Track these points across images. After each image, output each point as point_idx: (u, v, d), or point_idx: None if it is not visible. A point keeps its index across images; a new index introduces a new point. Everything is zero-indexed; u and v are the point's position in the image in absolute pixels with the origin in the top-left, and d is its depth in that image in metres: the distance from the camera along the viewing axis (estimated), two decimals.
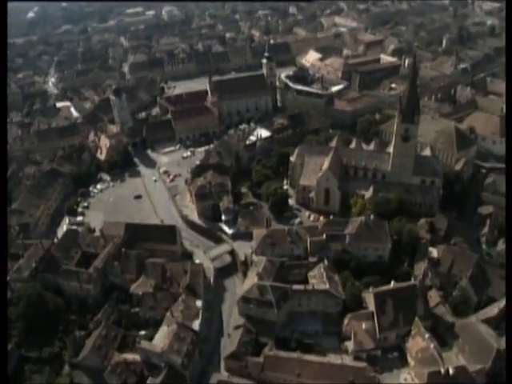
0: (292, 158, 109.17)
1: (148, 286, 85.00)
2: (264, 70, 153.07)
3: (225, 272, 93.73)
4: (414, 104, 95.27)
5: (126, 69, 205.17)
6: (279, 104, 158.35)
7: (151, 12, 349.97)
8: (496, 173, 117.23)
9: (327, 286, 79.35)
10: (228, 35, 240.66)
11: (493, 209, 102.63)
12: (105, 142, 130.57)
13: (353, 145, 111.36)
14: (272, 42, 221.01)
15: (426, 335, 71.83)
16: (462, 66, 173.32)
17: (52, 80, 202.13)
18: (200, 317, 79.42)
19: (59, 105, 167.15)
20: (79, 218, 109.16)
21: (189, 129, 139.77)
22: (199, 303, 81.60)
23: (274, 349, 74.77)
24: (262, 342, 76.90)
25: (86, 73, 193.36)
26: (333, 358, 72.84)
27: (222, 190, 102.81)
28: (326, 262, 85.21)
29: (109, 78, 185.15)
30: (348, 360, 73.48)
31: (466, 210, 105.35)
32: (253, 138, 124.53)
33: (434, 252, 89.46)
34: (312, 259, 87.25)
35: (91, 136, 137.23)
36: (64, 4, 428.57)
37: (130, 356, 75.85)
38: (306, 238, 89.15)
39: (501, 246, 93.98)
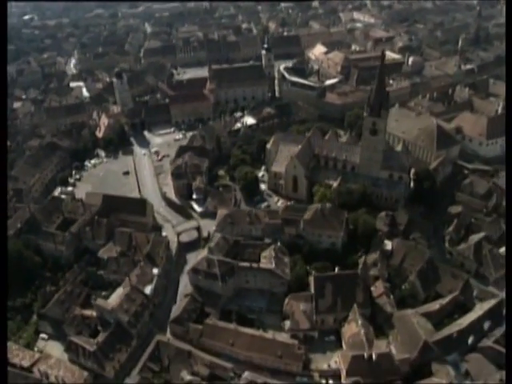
0: (268, 146, 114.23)
1: (114, 251, 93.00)
2: (263, 61, 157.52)
3: (190, 246, 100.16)
4: (381, 99, 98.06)
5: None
6: (277, 94, 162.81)
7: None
8: (477, 174, 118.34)
9: (273, 265, 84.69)
10: (244, 26, 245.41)
11: (462, 209, 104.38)
12: (104, 121, 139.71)
13: (328, 136, 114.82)
14: (285, 34, 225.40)
15: (359, 321, 75.41)
16: (468, 66, 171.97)
17: (73, 61, 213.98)
18: (154, 283, 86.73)
19: (73, 85, 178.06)
20: (69, 188, 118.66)
21: (184, 113, 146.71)
22: (155, 271, 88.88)
23: (215, 319, 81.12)
24: (207, 311, 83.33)
25: (102, 56, 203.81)
26: (267, 334, 77.96)
27: (197, 170, 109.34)
28: (278, 244, 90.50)
29: (123, 62, 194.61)
30: (285, 337, 78.68)
31: (437, 208, 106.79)
32: (239, 125, 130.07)
33: (389, 245, 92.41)
34: (267, 241, 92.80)
35: (94, 115, 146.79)
36: None
37: (88, 312, 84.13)
38: (265, 221, 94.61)
39: (463, 245, 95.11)
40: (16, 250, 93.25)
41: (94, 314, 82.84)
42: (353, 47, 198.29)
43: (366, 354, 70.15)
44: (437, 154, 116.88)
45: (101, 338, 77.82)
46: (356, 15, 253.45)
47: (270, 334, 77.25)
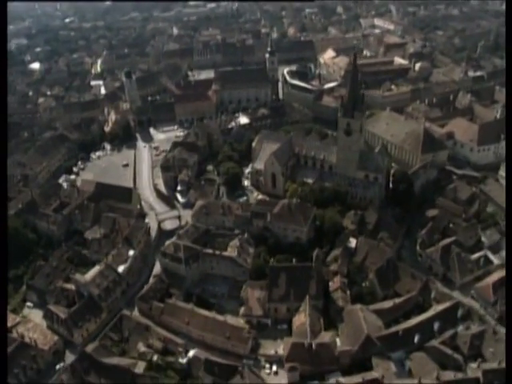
0: (253, 144, 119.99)
1: (98, 233, 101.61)
2: (267, 64, 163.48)
3: (171, 234, 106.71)
4: (355, 100, 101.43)
5: None
6: (281, 97, 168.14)
7: (212, 5, 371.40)
8: (464, 180, 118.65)
9: (235, 254, 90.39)
10: (263, 30, 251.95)
11: (438, 213, 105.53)
12: (112, 117, 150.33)
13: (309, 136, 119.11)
14: (302, 39, 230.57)
15: (307, 312, 79.11)
16: (478, 73, 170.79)
17: (99, 61, 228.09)
18: (128, 263, 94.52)
19: (93, 83, 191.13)
20: (72, 177, 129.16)
21: (188, 112, 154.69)
22: (131, 253, 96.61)
23: (177, 299, 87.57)
24: (171, 292, 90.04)
25: (124, 57, 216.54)
26: (219, 316, 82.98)
27: (183, 164, 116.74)
28: (245, 235, 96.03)
29: (142, 63, 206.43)
30: (238, 321, 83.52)
31: (414, 211, 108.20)
32: (233, 124, 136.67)
33: (353, 243, 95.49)
34: (237, 231, 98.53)
35: (106, 111, 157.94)
36: None
37: (68, 285, 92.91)
38: (236, 213, 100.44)
39: (432, 248, 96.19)
40: (15, 227, 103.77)
41: (73, 287, 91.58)
42: (365, 52, 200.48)
43: (306, 343, 73.77)
44: (422, 157, 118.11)
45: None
46: (377, 21, 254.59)
47: (222, 317, 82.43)
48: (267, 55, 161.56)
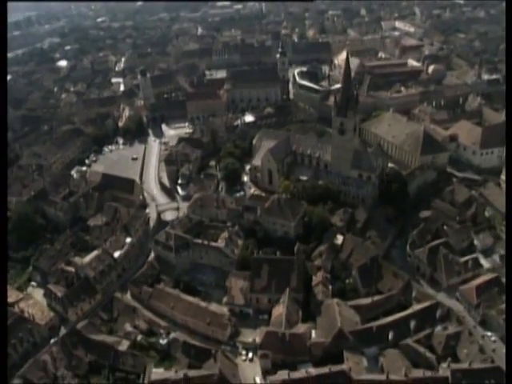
0: (254, 141, 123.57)
1: (100, 221, 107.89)
2: (278, 64, 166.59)
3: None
4: (347, 99, 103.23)
5: None
6: (292, 96, 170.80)
7: (238, 6, 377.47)
8: (463, 183, 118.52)
9: (222, 245, 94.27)
10: (284, 32, 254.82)
11: (431, 214, 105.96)
12: (126, 113, 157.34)
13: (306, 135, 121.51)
14: (320, 40, 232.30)
15: (285, 303, 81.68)
16: (494, 76, 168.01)
17: (123, 60, 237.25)
18: (124, 250, 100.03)
19: (114, 80, 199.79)
20: (84, 168, 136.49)
21: (199, 110, 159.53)
22: (128, 240, 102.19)
23: (166, 285, 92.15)
24: (162, 278, 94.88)
25: (145, 56, 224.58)
26: (202, 302, 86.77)
27: (186, 159, 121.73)
28: (236, 227, 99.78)
29: (161, 62, 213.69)
30: (220, 309, 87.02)
31: (408, 212, 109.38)
32: (239, 122, 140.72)
33: (340, 239, 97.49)
34: (229, 224, 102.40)
35: (121, 107, 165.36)
36: None
37: (69, 268, 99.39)
38: (229, 206, 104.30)
39: (420, 250, 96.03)
40: (26, 212, 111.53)
41: (73, 269, 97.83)
42: (380, 54, 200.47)
43: (280, 332, 76.50)
44: (421, 159, 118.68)
45: None
46: (398, 24, 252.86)
47: (204, 303, 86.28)
48: (278, 56, 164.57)
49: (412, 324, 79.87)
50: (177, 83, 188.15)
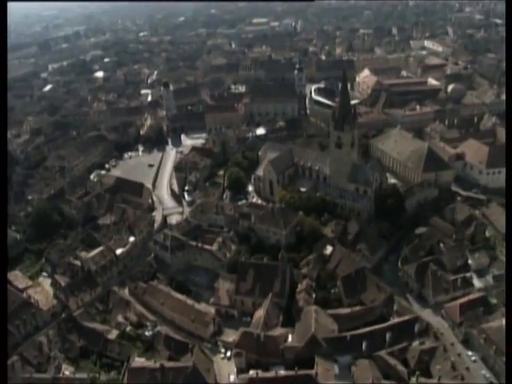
0: (260, 153, 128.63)
1: (108, 220, 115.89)
2: (295, 80, 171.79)
3: None
4: (344, 114, 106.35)
5: None
6: (308, 111, 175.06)
7: (274, 23, 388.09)
8: (467, 202, 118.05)
9: (215, 248, 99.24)
10: (312, 49, 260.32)
11: (426, 231, 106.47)
12: (147, 122, 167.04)
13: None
14: (345, 58, 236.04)
15: (266, 306, 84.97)
16: None
17: (155, 73, 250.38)
18: (126, 248, 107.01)
19: (143, 92, 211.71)
20: (103, 172, 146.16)
21: (217, 122, 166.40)
22: (132, 239, 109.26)
23: (160, 283, 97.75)
24: (158, 276, 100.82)
25: (175, 69, 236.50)
26: (189, 300, 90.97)
27: (194, 167, 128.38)
28: (231, 233, 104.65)
29: (189, 75, 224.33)
30: (207, 308, 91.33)
31: (406, 227, 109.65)
32: (250, 134, 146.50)
33: (330, 250, 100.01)
34: (225, 229, 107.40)
35: (145, 116, 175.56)
36: (213, 10, 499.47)
37: (75, 261, 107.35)
38: (227, 213, 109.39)
39: (410, 266, 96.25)
40: (44, 209, 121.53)
41: (79, 263, 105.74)
42: (403, 73, 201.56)
43: (255, 333, 79.69)
44: (423, 176, 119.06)
45: None
46: (427, 43, 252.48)
47: (191, 301, 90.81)
48: (295, 72, 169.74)
49: (388, 336, 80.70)
50: (200, 96, 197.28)
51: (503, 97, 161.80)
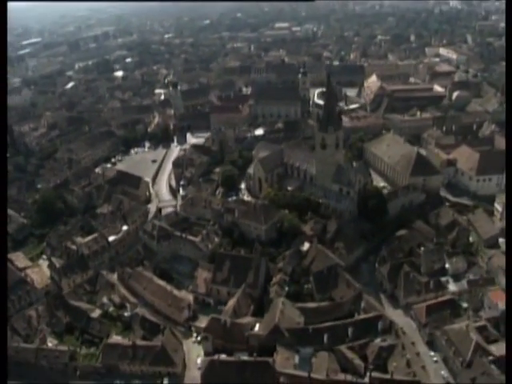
0: (253, 152, 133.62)
1: (106, 210, 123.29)
2: (299, 84, 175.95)
3: None
4: (328, 116, 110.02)
5: None
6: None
7: (296, 28, 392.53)
8: (454, 209, 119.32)
9: (198, 239, 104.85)
10: (326, 54, 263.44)
11: (406, 233, 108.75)
12: (155, 120, 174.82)
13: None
14: (358, 63, 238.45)
15: (237, 296, 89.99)
16: None
17: (172, 73, 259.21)
18: (119, 236, 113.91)
19: (157, 91, 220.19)
20: (109, 165, 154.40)
21: (221, 122, 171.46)
22: (125, 228, 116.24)
23: (146, 270, 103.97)
24: (144, 263, 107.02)
25: (190, 70, 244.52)
26: (168, 286, 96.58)
27: (190, 163, 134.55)
28: (216, 226, 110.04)
29: (203, 77, 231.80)
30: (184, 295, 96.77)
31: (389, 229, 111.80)
32: (249, 134, 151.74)
33: (307, 247, 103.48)
34: (211, 223, 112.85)
35: (154, 115, 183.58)
36: (239, 14, 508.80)
37: (72, 246, 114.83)
38: (214, 207, 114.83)
39: (385, 267, 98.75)
40: (49, 197, 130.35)
41: (75, 247, 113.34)
42: (411, 79, 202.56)
43: (222, 320, 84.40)
44: (410, 180, 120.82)
45: None
46: (442, 51, 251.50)
47: (169, 287, 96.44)
48: (299, 76, 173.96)
49: (350, 331, 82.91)
50: (208, 97, 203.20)
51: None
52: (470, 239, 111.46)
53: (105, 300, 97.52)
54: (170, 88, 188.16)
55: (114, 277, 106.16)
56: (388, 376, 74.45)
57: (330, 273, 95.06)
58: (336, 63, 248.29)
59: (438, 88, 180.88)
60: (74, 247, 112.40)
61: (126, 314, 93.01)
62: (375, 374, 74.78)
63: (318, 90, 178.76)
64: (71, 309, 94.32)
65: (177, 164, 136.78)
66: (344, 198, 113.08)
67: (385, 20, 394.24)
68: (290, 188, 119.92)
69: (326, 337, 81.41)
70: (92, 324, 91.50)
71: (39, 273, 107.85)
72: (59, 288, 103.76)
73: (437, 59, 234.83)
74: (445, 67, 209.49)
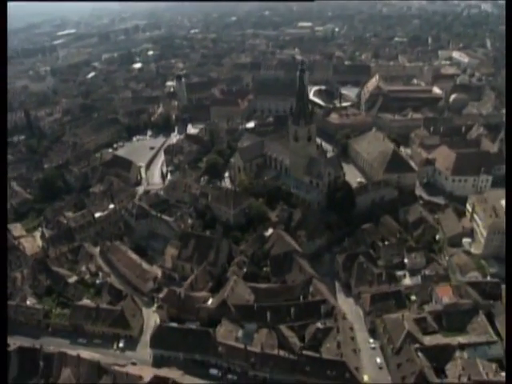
0: (239, 143, 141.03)
1: (98, 189, 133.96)
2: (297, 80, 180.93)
3: None
4: (301, 110, 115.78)
5: None
6: None
7: (319, 28, 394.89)
8: (426, 207, 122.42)
9: (171, 219, 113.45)
10: (338, 54, 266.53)
11: (369, 227, 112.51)
12: (159, 110, 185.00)
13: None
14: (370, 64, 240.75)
15: (196, 272, 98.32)
16: None
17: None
18: (105, 213, 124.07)
19: (168, 83, 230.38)
20: (110, 150, 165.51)
21: (220, 114, 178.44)
22: (111, 206, 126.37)
23: (123, 244, 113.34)
24: (124, 239, 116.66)
25: (203, 65, 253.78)
26: (139, 259, 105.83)
27: (180, 150, 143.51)
28: (191, 209, 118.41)
29: (214, 71, 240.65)
30: (156, 270, 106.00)
31: (355, 222, 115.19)
32: (240, 127, 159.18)
33: (270, 232, 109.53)
34: (188, 205, 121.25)
35: (159, 105, 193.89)
36: (267, 12, 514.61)
37: (63, 220, 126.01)
38: (191, 191, 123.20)
39: (340, 257, 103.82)
40: (51, 176, 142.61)
41: (65, 221, 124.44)
42: (414, 81, 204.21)
43: (177, 291, 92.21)
44: (384, 176, 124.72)
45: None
46: (454, 54, 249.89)
47: (139, 261, 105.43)
48: (298, 73, 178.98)
49: (292, 312, 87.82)
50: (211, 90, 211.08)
51: (500, 109, 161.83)
52: (437, 237, 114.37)
53: (83, 268, 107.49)
54: (174, 81, 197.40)
55: (96, 249, 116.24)
56: (317, 355, 79.30)
57: (286, 258, 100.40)
58: (347, 63, 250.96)
59: (436, 90, 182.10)
60: (64, 221, 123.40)
61: (97, 282, 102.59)
62: (306, 352, 79.80)
63: (315, 88, 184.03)
64: (52, 274, 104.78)
65: (168, 151, 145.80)
66: (313, 189, 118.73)
67: (410, 22, 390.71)
68: (266, 178, 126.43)
69: (269, 315, 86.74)
70: (68, 288, 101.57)
71: (32, 242, 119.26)
72: (47, 256, 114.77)
73: (447, 62, 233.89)
74: (450, 70, 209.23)
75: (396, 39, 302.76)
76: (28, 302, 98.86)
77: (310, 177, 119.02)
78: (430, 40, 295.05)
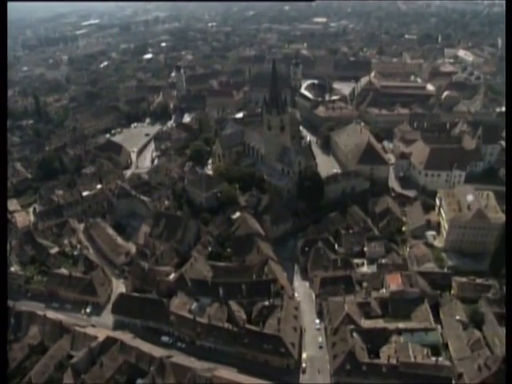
0: (223, 132, 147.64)
1: (89, 171, 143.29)
2: (291, 74, 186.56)
3: None
4: (273, 100, 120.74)
5: None
6: None
7: (333, 24, 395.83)
8: (397, 199, 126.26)
9: (148, 200, 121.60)
10: (343, 49, 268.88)
11: (337, 215, 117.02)
12: (158, 99, 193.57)
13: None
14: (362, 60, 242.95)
15: (161, 249, 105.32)
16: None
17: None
18: (92, 192, 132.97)
19: (173, 74, 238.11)
20: (107, 136, 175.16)
21: (215, 105, 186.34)
22: (99, 186, 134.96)
23: (105, 222, 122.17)
24: (106, 216, 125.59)
25: (209, 57, 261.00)
26: (116, 237, 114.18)
27: (167, 137, 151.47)
28: (169, 191, 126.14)
29: (217, 64, 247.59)
30: (131, 246, 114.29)
31: (323, 210, 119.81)
32: (230, 117, 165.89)
33: (237, 215, 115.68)
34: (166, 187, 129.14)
35: (159, 94, 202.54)
36: (287, 7, 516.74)
37: (55, 198, 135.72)
38: (171, 175, 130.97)
39: (300, 242, 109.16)
40: (49, 157, 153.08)
41: (56, 199, 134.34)
42: (411, 78, 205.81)
43: (142, 264, 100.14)
44: (357, 167, 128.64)
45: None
46: (460, 52, 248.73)
47: (115, 237, 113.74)
48: (291, 67, 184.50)
49: (244, 289, 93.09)
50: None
51: (489, 107, 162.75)
52: (403, 229, 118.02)
53: (65, 242, 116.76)
54: (174, 71, 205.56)
55: (81, 225, 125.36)
56: (257, 329, 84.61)
57: (248, 239, 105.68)
58: (352, 59, 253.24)
59: (429, 87, 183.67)
60: (55, 198, 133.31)
61: (75, 253, 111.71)
62: (248, 326, 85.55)
63: (307, 82, 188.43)
64: (37, 245, 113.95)
65: (158, 138, 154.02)
66: (284, 177, 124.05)
67: (427, 20, 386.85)
68: (244, 164, 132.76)
69: (221, 291, 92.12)
70: (49, 258, 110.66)
71: (24, 216, 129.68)
72: (36, 229, 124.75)
73: (451, 60, 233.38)
74: (449, 68, 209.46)
75: (406, 36, 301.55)
76: (12, 269, 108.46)
77: (281, 165, 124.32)
78: (439, 38, 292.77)
